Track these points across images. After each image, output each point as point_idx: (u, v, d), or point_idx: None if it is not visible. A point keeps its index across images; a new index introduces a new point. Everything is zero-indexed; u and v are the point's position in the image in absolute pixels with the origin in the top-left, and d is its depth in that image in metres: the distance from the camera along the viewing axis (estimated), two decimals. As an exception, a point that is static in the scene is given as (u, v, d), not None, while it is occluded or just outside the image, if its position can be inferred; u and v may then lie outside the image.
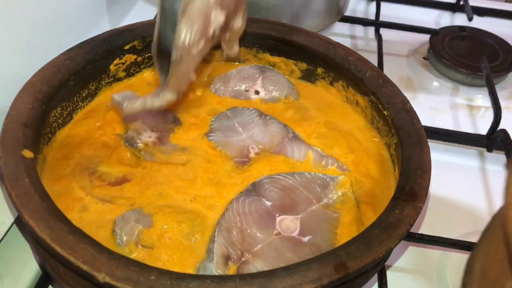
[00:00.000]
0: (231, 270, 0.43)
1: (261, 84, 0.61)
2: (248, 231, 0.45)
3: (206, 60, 0.59)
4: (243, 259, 0.43)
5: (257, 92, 0.61)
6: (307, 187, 0.50)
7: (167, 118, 0.56)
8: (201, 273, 0.42)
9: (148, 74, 0.62)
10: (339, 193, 0.50)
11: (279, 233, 0.46)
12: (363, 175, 0.52)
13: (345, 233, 0.47)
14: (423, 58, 0.83)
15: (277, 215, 0.47)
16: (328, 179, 0.50)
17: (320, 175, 0.51)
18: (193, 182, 0.50)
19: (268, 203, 0.48)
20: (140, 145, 0.52)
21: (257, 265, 0.43)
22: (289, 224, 0.47)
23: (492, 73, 0.74)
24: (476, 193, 0.63)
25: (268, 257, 0.44)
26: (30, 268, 0.50)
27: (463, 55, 0.80)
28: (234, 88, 0.61)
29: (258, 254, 0.44)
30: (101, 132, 0.54)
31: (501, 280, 0.29)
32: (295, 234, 0.46)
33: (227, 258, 0.43)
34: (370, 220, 0.46)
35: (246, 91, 0.61)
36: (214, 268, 0.42)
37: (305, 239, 0.46)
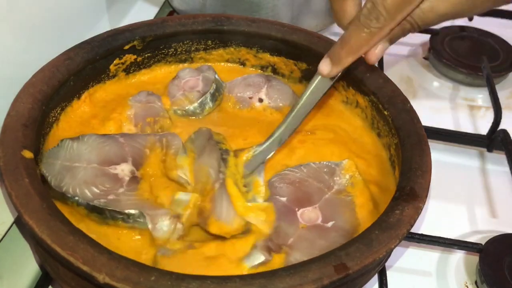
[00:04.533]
0: (276, 258, 0.44)
1: (266, 92, 0.61)
2: (278, 228, 0.46)
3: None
4: (282, 251, 0.45)
5: (260, 100, 0.61)
6: (316, 177, 0.50)
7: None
8: (247, 261, 0.43)
9: (147, 74, 0.62)
10: (347, 176, 0.50)
11: (305, 225, 0.47)
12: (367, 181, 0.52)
13: (364, 212, 0.48)
14: (423, 58, 0.83)
15: (296, 209, 0.48)
16: (333, 166, 0.51)
17: (325, 163, 0.52)
18: None
19: (283, 199, 0.49)
20: None
21: (296, 256, 0.44)
22: (310, 214, 0.48)
23: (492, 73, 0.74)
24: (476, 193, 0.63)
25: (302, 248, 0.45)
26: (30, 268, 0.50)
27: (463, 55, 0.79)
28: (238, 95, 0.61)
29: (293, 246, 0.45)
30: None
31: None
32: (319, 222, 0.48)
33: (269, 250, 0.44)
34: (381, 200, 0.48)
35: (250, 98, 0.61)
36: (259, 251, 0.43)
37: (329, 224, 0.47)
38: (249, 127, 0.57)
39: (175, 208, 0.47)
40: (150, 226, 0.44)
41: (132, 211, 0.45)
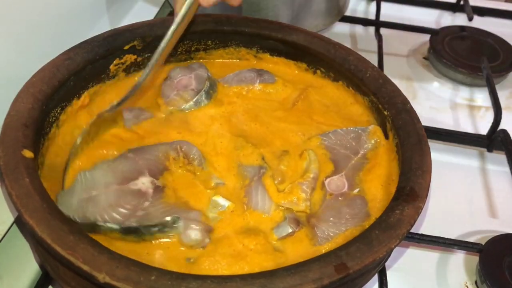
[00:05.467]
0: (302, 231, 0.46)
1: (258, 86, 0.61)
2: None
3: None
4: (309, 223, 0.47)
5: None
6: (343, 144, 0.52)
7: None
8: (277, 230, 0.46)
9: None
10: (372, 141, 0.53)
11: (332, 193, 0.49)
12: None
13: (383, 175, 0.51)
14: (423, 58, 0.83)
15: (324, 178, 0.50)
16: (360, 131, 0.54)
17: (351, 128, 0.54)
18: None
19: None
20: None
21: (323, 228, 0.46)
22: (336, 183, 0.50)
23: (492, 73, 0.74)
24: (476, 193, 0.63)
25: (329, 218, 0.47)
26: (30, 268, 0.50)
27: (463, 55, 0.79)
28: (234, 90, 0.61)
29: (320, 217, 0.47)
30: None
31: None
32: (345, 189, 0.50)
33: (297, 222, 0.46)
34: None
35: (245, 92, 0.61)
36: (287, 224, 0.46)
37: (355, 191, 0.49)
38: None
39: (212, 209, 0.47)
40: (182, 230, 0.44)
41: (167, 218, 0.44)
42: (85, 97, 0.56)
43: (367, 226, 0.44)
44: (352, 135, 0.54)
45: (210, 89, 0.58)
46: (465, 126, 0.71)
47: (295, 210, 0.47)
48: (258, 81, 0.61)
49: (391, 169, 0.51)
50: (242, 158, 0.51)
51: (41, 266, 0.49)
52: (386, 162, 0.52)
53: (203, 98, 0.57)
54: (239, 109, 0.58)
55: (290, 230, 0.45)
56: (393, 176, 0.50)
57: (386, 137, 0.54)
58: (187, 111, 0.57)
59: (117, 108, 0.52)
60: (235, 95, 0.60)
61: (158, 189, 0.47)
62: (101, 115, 0.52)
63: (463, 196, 0.62)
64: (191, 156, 0.50)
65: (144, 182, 0.47)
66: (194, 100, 0.57)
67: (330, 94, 0.61)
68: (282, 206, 0.48)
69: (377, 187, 0.50)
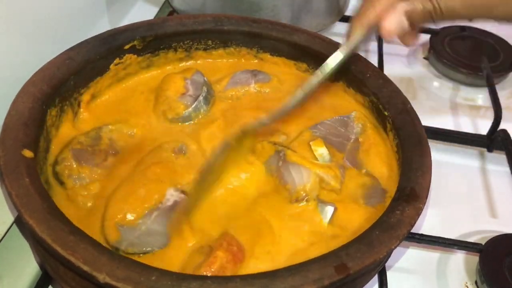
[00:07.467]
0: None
1: (254, 87, 0.61)
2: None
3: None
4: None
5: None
6: (334, 133, 0.55)
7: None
8: (324, 218, 0.47)
9: (147, 74, 0.62)
10: (360, 125, 0.56)
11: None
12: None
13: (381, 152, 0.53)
14: (424, 58, 0.83)
15: None
16: (345, 119, 0.56)
17: (336, 117, 0.56)
18: None
19: None
20: None
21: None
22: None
23: (493, 73, 0.74)
24: (476, 193, 0.63)
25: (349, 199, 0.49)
26: (30, 268, 0.50)
27: (463, 55, 0.79)
28: (231, 94, 0.60)
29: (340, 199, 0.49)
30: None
31: None
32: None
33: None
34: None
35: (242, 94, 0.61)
36: (325, 205, 0.47)
37: (363, 171, 0.52)
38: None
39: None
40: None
41: None
42: (85, 97, 0.56)
43: (388, 203, 0.44)
44: (339, 123, 0.56)
45: (208, 94, 0.58)
46: (465, 126, 0.71)
47: (325, 186, 0.48)
48: (253, 81, 0.61)
49: (387, 146, 0.53)
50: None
51: (41, 266, 0.49)
52: (380, 140, 0.54)
53: (202, 104, 0.57)
54: (237, 111, 0.58)
55: (334, 207, 0.47)
56: (389, 151, 0.53)
57: (386, 136, 0.54)
58: (186, 119, 0.56)
59: (263, 125, 0.50)
60: (232, 98, 0.60)
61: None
62: (246, 131, 0.50)
63: (463, 196, 0.62)
64: None
65: (172, 194, 0.48)
66: (193, 106, 0.56)
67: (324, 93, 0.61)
68: (319, 173, 0.49)
69: (381, 164, 0.52)
